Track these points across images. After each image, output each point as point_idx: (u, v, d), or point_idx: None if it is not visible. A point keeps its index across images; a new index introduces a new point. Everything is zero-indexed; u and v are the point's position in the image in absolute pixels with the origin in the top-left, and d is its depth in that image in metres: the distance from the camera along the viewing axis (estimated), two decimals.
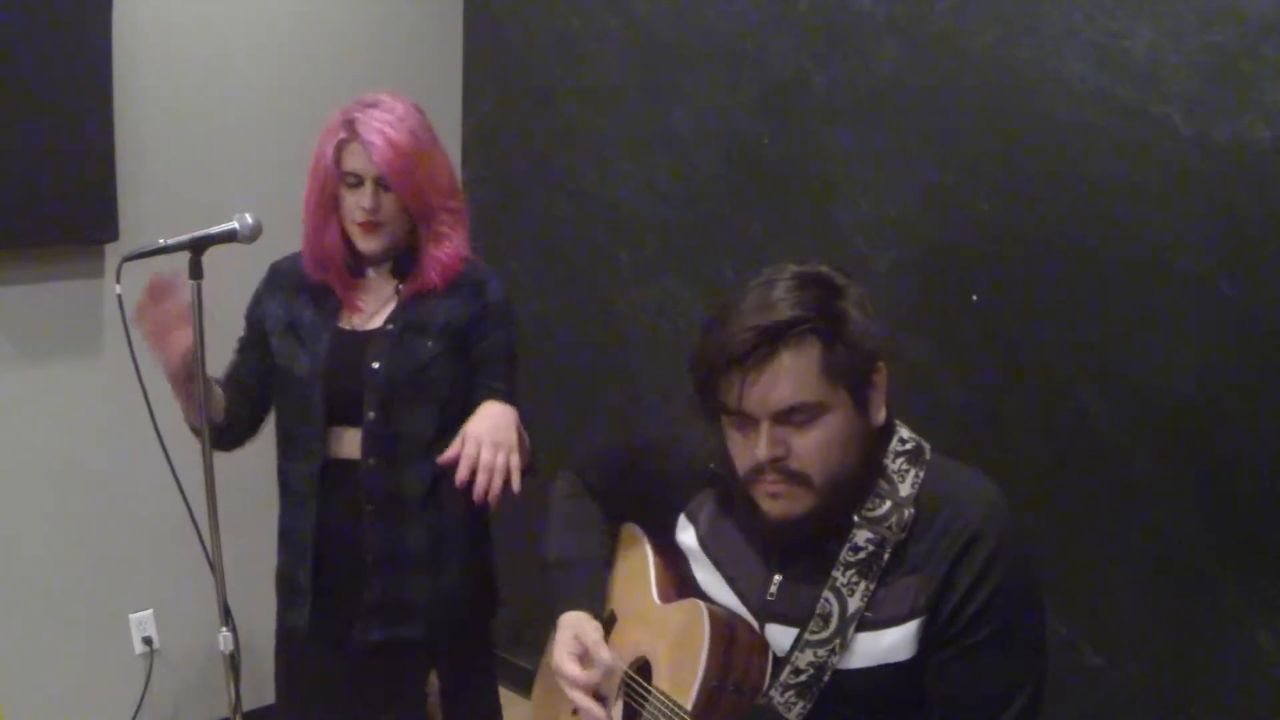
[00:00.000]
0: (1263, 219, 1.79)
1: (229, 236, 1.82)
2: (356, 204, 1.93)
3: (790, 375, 1.32)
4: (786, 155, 2.50)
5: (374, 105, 1.93)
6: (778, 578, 1.45)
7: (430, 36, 3.25)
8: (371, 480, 1.96)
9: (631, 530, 1.74)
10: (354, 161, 1.92)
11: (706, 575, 1.54)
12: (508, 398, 1.97)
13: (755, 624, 1.47)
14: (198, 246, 1.79)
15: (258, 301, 2.10)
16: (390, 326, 1.98)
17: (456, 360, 2.00)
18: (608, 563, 1.70)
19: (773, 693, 1.40)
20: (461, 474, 1.80)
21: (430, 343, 1.97)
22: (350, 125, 1.91)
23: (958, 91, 2.16)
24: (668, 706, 1.45)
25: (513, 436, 1.87)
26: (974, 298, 2.16)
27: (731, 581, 1.51)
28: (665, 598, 1.62)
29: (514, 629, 3.32)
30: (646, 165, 2.82)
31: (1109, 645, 2.04)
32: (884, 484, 1.39)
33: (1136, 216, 1.93)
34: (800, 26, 2.43)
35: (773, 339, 1.31)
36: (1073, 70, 1.98)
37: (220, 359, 2.06)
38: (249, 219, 1.83)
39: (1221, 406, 1.86)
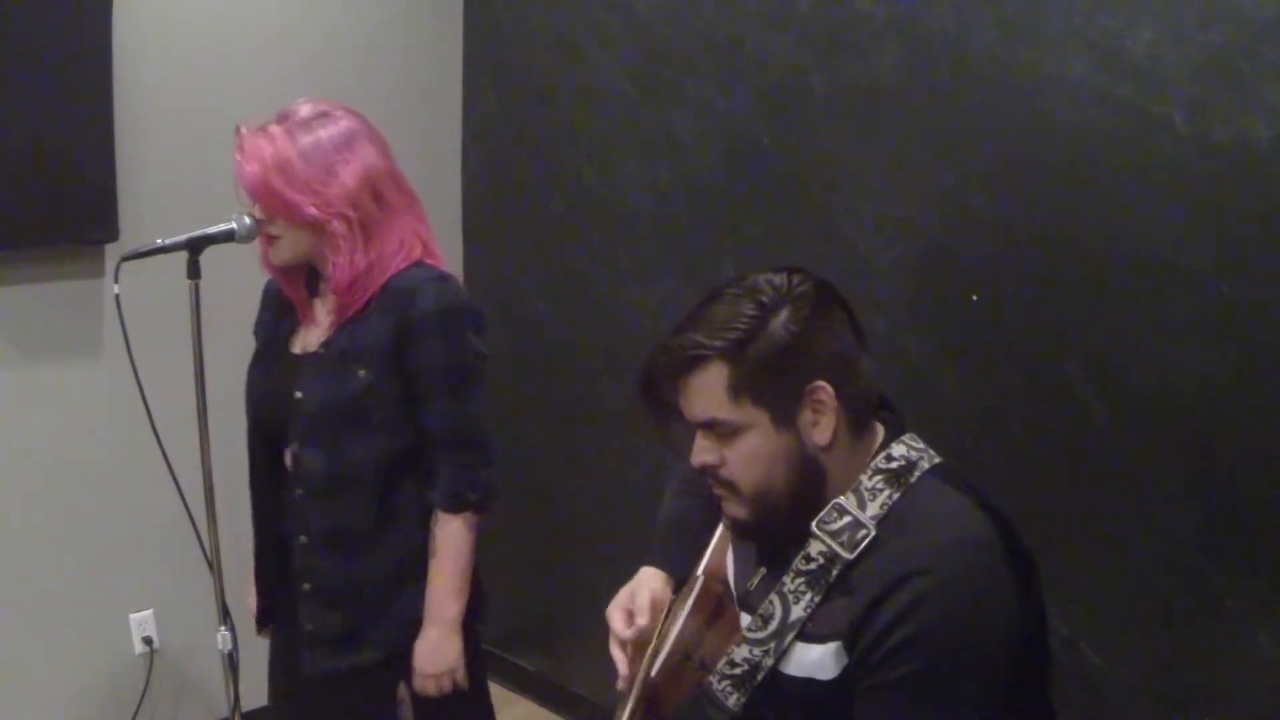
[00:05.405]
0: (1262, 219, 1.79)
1: (227, 236, 1.82)
2: None
3: (699, 395, 1.37)
4: (786, 155, 2.49)
5: (279, 118, 1.85)
6: (762, 571, 1.48)
7: (430, 36, 3.25)
8: (303, 511, 1.84)
9: None
10: None
11: (733, 555, 1.59)
12: (447, 418, 1.84)
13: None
14: (195, 246, 1.80)
15: (259, 318, 2.06)
16: (322, 351, 1.85)
17: (395, 384, 1.82)
18: (709, 528, 1.68)
19: (712, 677, 1.42)
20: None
21: (362, 371, 1.81)
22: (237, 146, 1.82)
23: (958, 91, 2.16)
24: (642, 674, 1.49)
25: (440, 661, 1.89)
26: (974, 298, 2.16)
27: (735, 566, 1.56)
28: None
29: (514, 629, 3.32)
30: (646, 165, 2.82)
31: (1109, 645, 2.03)
32: (851, 499, 1.36)
33: (1136, 216, 1.93)
34: (800, 26, 2.43)
35: (682, 362, 1.37)
36: (1073, 70, 1.98)
37: (220, 360, 2.06)
38: (247, 219, 1.83)
39: (1221, 406, 1.86)
